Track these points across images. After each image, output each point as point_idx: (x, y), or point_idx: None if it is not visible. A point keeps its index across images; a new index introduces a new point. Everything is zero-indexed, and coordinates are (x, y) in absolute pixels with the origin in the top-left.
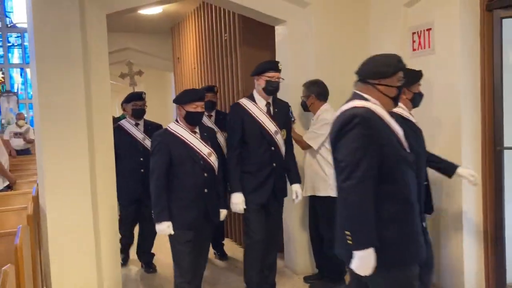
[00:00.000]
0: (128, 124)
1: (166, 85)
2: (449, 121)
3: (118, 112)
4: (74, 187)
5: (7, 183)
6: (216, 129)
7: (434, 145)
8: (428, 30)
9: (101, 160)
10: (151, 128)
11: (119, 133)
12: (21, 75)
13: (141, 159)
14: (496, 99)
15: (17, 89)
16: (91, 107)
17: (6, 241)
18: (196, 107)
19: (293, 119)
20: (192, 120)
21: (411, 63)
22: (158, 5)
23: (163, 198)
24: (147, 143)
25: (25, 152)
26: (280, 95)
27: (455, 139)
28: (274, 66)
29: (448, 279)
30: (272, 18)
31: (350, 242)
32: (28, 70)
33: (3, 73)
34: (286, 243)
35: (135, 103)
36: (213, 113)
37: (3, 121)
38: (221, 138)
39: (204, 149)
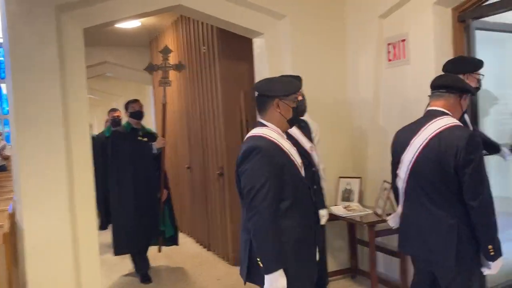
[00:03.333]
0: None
1: (145, 97)
2: None
3: (97, 127)
4: (52, 202)
5: None
6: None
7: None
8: (403, 41)
9: (79, 174)
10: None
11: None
12: None
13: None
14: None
15: None
16: (68, 121)
17: None
18: (298, 97)
19: None
20: (297, 118)
21: (387, 74)
22: (135, 18)
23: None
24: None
25: (1, 168)
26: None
27: None
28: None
29: None
30: (249, 30)
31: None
32: (3, 86)
33: None
34: None
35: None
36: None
37: None
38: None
39: (298, 160)
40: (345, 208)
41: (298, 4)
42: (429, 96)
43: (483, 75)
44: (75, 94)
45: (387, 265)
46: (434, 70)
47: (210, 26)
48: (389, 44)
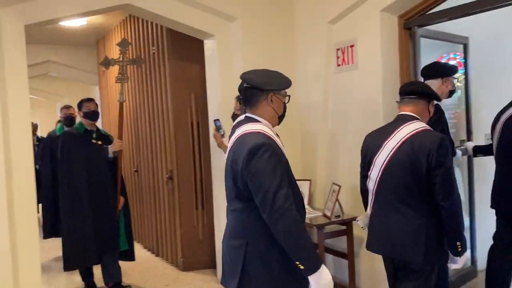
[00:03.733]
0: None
1: None
2: None
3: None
4: None
5: None
6: None
7: (357, 158)
8: (352, 46)
9: (19, 180)
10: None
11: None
12: None
13: None
14: None
15: None
16: (8, 123)
17: None
18: None
19: (222, 133)
20: (284, 116)
21: (336, 78)
22: (81, 16)
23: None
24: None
25: None
26: (210, 108)
27: None
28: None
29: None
30: (200, 32)
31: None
32: None
33: None
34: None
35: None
36: None
37: None
38: None
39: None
40: None
41: (249, 7)
42: (397, 102)
43: (456, 78)
44: (16, 94)
45: (336, 267)
46: (381, 75)
47: (160, 27)
48: (338, 49)
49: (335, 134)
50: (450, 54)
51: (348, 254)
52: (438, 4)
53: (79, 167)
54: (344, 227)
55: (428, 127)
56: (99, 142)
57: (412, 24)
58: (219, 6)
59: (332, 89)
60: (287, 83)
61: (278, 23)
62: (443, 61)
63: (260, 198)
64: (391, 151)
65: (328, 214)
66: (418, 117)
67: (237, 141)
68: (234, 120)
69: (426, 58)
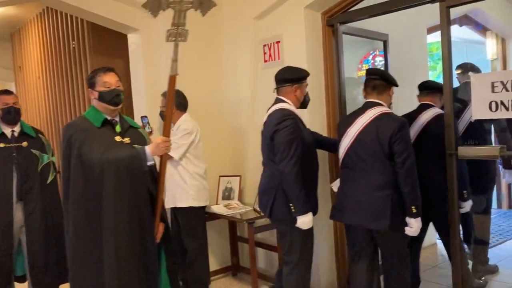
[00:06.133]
0: None
1: None
2: None
3: None
4: None
5: None
6: None
7: None
8: (277, 42)
9: None
10: None
11: None
12: None
13: None
14: (339, 109)
15: None
16: None
17: None
18: None
19: (150, 130)
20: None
21: (263, 74)
22: None
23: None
24: None
25: None
26: (135, 105)
27: None
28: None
29: None
30: (124, 26)
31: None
32: None
33: None
34: None
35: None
36: None
37: None
38: None
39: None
40: (225, 206)
41: None
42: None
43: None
44: None
45: (267, 261)
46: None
47: (80, 20)
48: (264, 45)
49: None
50: (376, 51)
51: (278, 247)
52: (360, 2)
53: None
54: None
55: (390, 111)
56: (127, 140)
57: (334, 21)
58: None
59: (259, 85)
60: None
61: (204, 19)
62: (370, 58)
63: (280, 150)
64: (362, 126)
65: (258, 208)
66: (382, 103)
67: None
68: (162, 117)
69: (353, 55)
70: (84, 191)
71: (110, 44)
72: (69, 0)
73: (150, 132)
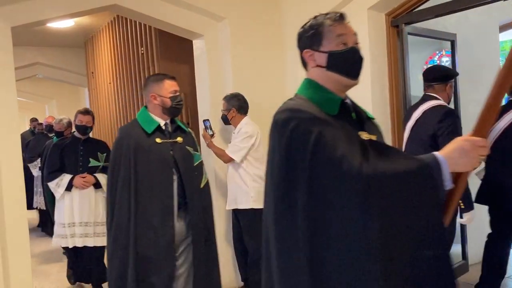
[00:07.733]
0: None
1: (80, 100)
2: None
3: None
4: None
5: None
6: None
7: None
8: None
9: (8, 181)
10: None
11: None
12: None
13: None
14: (404, 110)
15: None
16: None
17: None
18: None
19: (212, 133)
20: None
21: None
22: (68, 18)
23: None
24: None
25: None
26: (200, 109)
27: None
28: None
29: None
30: (189, 32)
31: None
32: None
33: None
34: None
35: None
36: None
37: None
38: None
39: None
40: None
41: (237, 7)
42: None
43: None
44: (3, 97)
45: None
46: (370, 71)
47: (148, 27)
48: None
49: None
50: (442, 51)
51: None
52: (425, 1)
53: None
54: None
55: (443, 103)
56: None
57: (399, 22)
58: (207, 6)
59: None
60: None
61: (265, 20)
62: (435, 58)
63: None
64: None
65: None
66: (438, 97)
67: None
68: (224, 121)
69: (418, 55)
70: None
71: (176, 49)
72: (139, 9)
73: (212, 135)
